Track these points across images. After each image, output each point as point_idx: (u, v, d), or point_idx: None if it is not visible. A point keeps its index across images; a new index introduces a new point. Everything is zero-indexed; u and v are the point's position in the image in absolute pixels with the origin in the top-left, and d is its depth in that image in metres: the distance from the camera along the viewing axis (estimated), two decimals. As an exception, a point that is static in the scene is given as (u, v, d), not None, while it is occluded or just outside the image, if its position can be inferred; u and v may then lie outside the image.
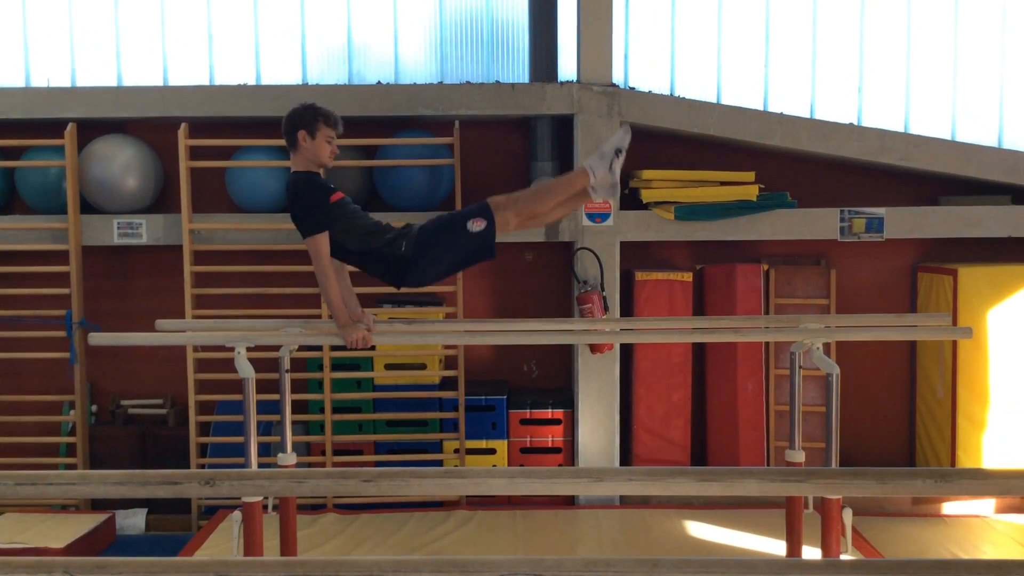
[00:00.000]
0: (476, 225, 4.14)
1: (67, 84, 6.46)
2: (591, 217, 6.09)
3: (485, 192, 6.34)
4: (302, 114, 4.16)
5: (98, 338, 4.25)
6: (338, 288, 4.16)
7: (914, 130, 6.60)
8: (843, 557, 4.31)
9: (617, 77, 6.32)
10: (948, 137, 6.61)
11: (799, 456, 4.52)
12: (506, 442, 6.23)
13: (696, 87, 6.60)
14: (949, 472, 2.28)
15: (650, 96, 6.22)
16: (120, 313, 6.36)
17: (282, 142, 6.02)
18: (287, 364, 4.34)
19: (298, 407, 6.01)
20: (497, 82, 6.36)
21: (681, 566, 1.98)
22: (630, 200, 6.24)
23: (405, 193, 6.14)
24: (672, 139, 6.43)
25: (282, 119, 4.19)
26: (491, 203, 4.23)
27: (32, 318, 6.15)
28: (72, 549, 5.33)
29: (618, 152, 4.15)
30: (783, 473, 2.37)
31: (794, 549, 4.54)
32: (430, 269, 4.22)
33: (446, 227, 4.21)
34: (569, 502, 6.15)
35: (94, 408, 6.42)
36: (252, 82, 6.48)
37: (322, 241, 4.09)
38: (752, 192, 6.09)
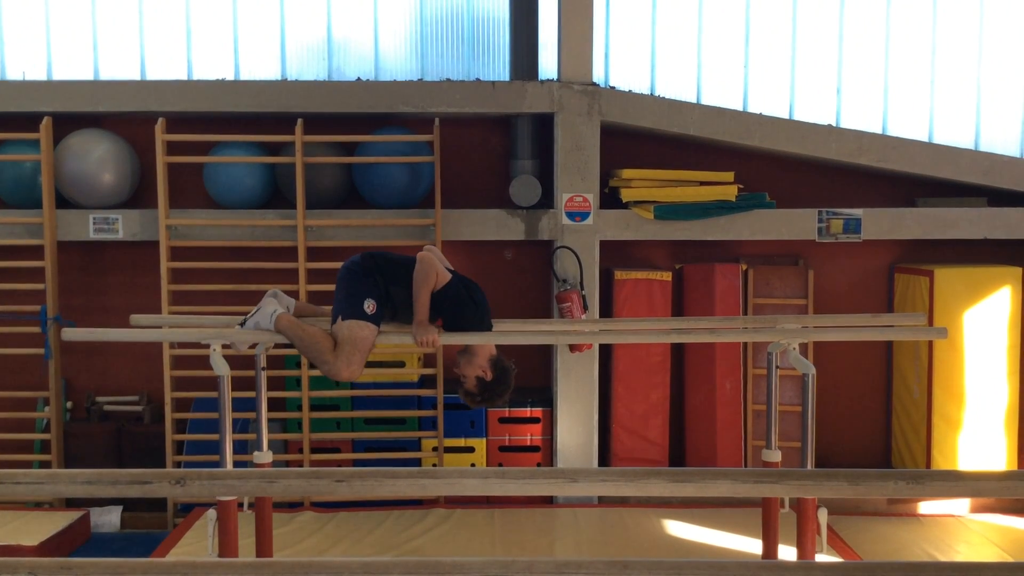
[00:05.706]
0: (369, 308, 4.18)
1: (42, 77, 6.39)
2: (571, 216, 6.08)
3: (465, 190, 6.40)
4: (497, 390, 4.54)
5: (71, 333, 4.21)
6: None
7: (892, 131, 6.63)
8: (818, 557, 4.33)
9: (597, 76, 6.32)
10: (925, 139, 6.64)
11: (775, 456, 4.53)
12: (484, 440, 6.21)
13: (676, 87, 6.59)
14: (921, 474, 2.29)
15: (630, 95, 6.22)
16: (96, 309, 6.30)
17: (260, 138, 6.08)
18: (263, 361, 4.31)
19: (276, 404, 5.98)
20: (477, 80, 6.35)
21: (652, 568, 1.98)
22: (610, 199, 6.24)
23: (384, 191, 6.12)
24: (652, 138, 6.43)
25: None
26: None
27: (6, 313, 6.08)
28: (45, 547, 5.27)
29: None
30: (755, 474, 2.37)
31: (770, 549, 4.55)
32: None
33: None
34: (547, 501, 6.15)
35: (69, 405, 6.36)
36: (231, 77, 6.43)
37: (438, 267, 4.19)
38: (731, 192, 6.11)
